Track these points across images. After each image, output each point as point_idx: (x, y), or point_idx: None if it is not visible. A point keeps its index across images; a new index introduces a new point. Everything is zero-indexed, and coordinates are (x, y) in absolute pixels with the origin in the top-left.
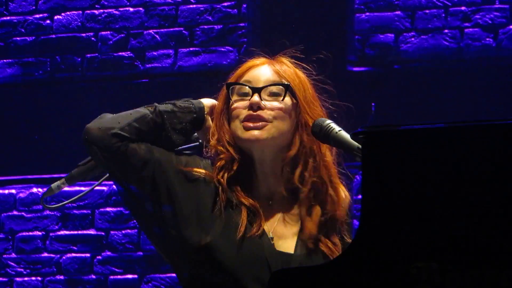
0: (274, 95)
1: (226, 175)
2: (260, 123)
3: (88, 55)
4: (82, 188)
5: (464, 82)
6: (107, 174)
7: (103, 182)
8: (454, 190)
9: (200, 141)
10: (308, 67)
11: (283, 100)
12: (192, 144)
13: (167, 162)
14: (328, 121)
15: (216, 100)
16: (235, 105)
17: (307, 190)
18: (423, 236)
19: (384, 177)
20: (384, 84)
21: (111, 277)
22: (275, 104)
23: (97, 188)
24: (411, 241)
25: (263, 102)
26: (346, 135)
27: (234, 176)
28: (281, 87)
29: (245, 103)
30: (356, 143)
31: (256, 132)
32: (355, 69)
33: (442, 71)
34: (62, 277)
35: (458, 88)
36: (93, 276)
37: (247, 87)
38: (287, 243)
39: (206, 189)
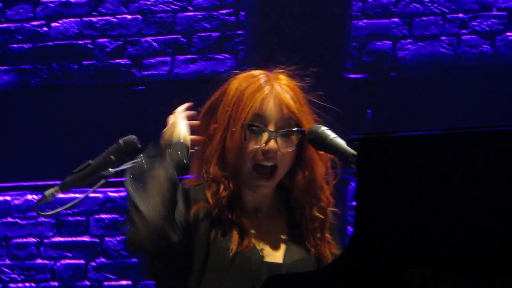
0: (287, 136)
1: (222, 203)
2: (270, 168)
3: (85, 62)
4: (77, 195)
5: (461, 89)
6: (102, 181)
7: (98, 189)
8: (448, 197)
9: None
10: (303, 79)
11: (295, 144)
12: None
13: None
14: (323, 128)
15: None
16: (249, 145)
17: (298, 197)
18: (417, 242)
19: (379, 183)
20: (381, 91)
21: (106, 283)
22: (288, 149)
23: (92, 195)
24: (405, 247)
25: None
26: (341, 142)
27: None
28: (295, 133)
29: (258, 145)
30: (351, 150)
31: (264, 183)
32: (352, 76)
33: (439, 78)
34: (56, 283)
35: (455, 95)
36: (88, 283)
37: (261, 129)
38: (276, 253)
39: (204, 222)
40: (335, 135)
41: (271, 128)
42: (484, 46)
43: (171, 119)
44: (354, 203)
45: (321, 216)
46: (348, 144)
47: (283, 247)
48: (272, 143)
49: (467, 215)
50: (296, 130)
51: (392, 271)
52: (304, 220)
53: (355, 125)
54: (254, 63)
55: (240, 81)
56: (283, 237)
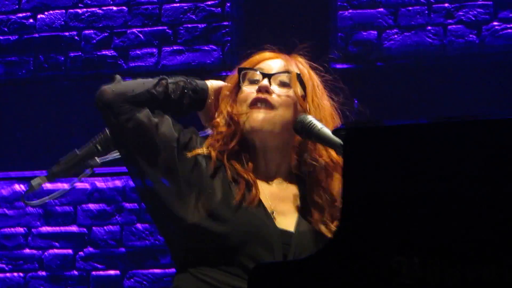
0: (284, 85)
1: (225, 147)
2: (266, 107)
3: (72, 54)
4: (64, 185)
5: (448, 79)
6: (88, 171)
7: (85, 179)
8: (436, 186)
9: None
10: (319, 67)
11: (291, 88)
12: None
13: (172, 136)
14: (310, 118)
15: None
16: (244, 89)
17: (312, 173)
18: (405, 231)
19: (366, 173)
20: (367, 81)
21: (94, 273)
22: (283, 91)
23: (80, 185)
24: (392, 236)
25: (271, 87)
26: (328, 132)
27: (234, 152)
28: (291, 76)
29: (254, 88)
30: (338, 140)
31: (261, 116)
32: (338, 66)
33: (425, 68)
34: (44, 273)
35: (441, 85)
36: (76, 272)
37: (258, 73)
38: (286, 220)
39: (207, 165)
40: (322, 125)
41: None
42: (470, 35)
43: None
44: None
45: (333, 199)
46: (334, 134)
47: (294, 216)
48: (264, 81)
49: (454, 204)
50: (289, 72)
51: (379, 259)
52: (317, 196)
53: (341, 115)
54: (240, 55)
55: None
56: (294, 206)
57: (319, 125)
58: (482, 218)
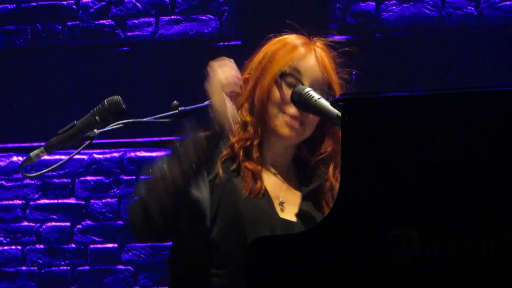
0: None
1: (243, 148)
2: (300, 125)
3: (69, 23)
4: (62, 157)
5: (445, 50)
6: (87, 142)
7: (84, 151)
8: (435, 158)
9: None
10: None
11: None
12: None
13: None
14: (308, 89)
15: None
16: (283, 94)
17: (321, 161)
18: (403, 204)
19: (364, 144)
20: (365, 53)
21: (91, 246)
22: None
23: (77, 156)
24: (391, 209)
25: None
26: (325, 103)
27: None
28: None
29: (288, 94)
30: (336, 111)
31: (293, 133)
32: (336, 37)
33: (423, 40)
34: (42, 246)
35: (439, 56)
36: (73, 245)
37: (299, 82)
38: (289, 211)
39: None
40: (319, 96)
41: (306, 84)
42: (469, 7)
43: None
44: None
45: (334, 183)
46: (332, 105)
47: (296, 206)
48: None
49: (453, 176)
50: (335, 99)
51: (377, 233)
52: (319, 185)
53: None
54: (238, 24)
55: (277, 41)
56: (296, 197)
57: (316, 96)
58: (482, 191)
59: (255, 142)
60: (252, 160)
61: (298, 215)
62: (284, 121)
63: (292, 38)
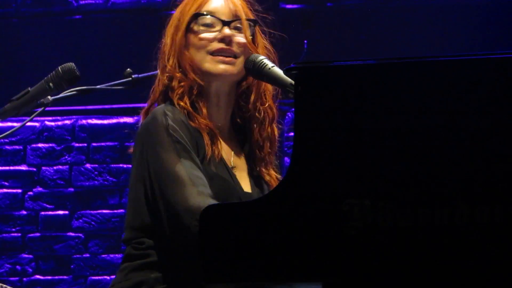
0: (238, 30)
1: (188, 101)
2: (231, 57)
3: None
4: (14, 124)
5: (398, 21)
6: (40, 110)
7: (35, 118)
8: (386, 126)
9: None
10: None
11: (249, 35)
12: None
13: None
14: (261, 57)
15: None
16: (202, 35)
17: (257, 122)
18: (356, 173)
19: (317, 113)
20: (316, 22)
21: (42, 213)
22: (242, 39)
23: (29, 124)
24: (343, 178)
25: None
26: (279, 71)
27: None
28: (246, 22)
29: (212, 34)
30: (289, 79)
31: (228, 67)
32: (288, 6)
33: (375, 10)
34: None
35: (390, 26)
36: (24, 212)
37: (213, 19)
38: (245, 180)
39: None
40: (273, 64)
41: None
42: None
43: None
44: (291, 134)
45: (272, 144)
46: (285, 74)
47: (247, 175)
48: (226, 30)
49: (406, 144)
50: (250, 19)
51: (330, 202)
52: (257, 149)
53: (292, 55)
54: None
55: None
56: (245, 165)
57: (270, 64)
58: (433, 158)
59: (195, 91)
60: (202, 117)
61: (252, 184)
62: (214, 60)
63: None
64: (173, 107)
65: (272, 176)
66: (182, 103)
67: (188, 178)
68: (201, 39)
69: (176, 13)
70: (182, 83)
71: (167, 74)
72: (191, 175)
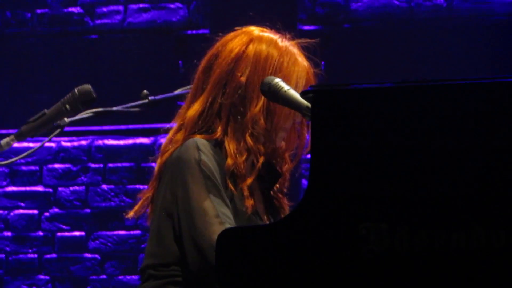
0: None
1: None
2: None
3: (39, 10)
4: (31, 145)
5: (414, 42)
6: (57, 131)
7: (52, 139)
8: (404, 150)
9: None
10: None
11: None
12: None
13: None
14: (277, 80)
15: None
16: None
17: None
18: (373, 197)
19: (334, 136)
20: (334, 43)
21: (59, 234)
22: None
23: (45, 144)
24: (360, 202)
25: None
26: (295, 94)
27: None
28: None
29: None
30: (305, 102)
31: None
32: (305, 27)
33: (392, 31)
34: (9, 233)
35: (408, 48)
36: (41, 233)
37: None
38: (263, 221)
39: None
40: (289, 87)
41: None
42: None
43: None
44: (309, 156)
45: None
46: (302, 97)
47: (265, 215)
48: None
49: (423, 169)
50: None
51: (347, 225)
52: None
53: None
54: (206, 13)
55: (266, 45)
56: (263, 205)
57: (286, 86)
58: (452, 184)
59: (261, 160)
60: (250, 175)
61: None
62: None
63: (277, 39)
64: (206, 141)
65: (285, 202)
66: (250, 181)
67: (216, 215)
68: (288, 110)
69: (255, 51)
70: (260, 148)
71: (252, 121)
72: (219, 212)
